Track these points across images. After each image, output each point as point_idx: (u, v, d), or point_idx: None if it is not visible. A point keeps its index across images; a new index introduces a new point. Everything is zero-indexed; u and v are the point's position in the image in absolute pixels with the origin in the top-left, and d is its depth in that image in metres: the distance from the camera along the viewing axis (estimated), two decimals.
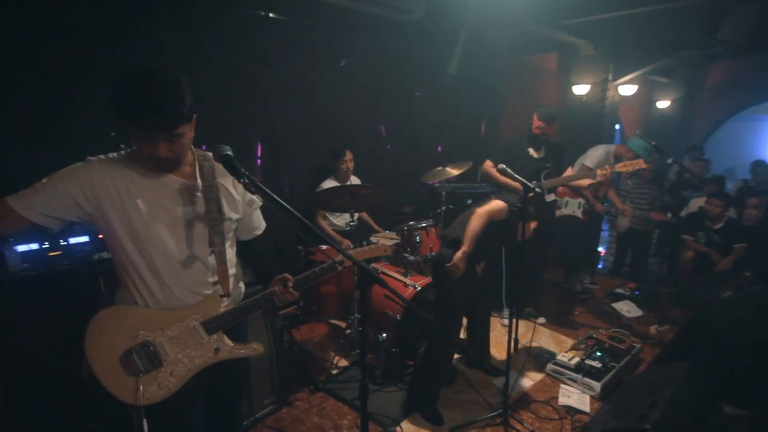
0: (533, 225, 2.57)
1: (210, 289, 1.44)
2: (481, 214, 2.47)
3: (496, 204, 2.53)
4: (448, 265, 2.41)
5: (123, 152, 1.35)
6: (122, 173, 1.30)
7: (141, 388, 1.30)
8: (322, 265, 1.56)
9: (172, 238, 1.35)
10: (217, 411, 1.60)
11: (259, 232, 1.63)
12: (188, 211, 1.37)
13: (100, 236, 2.25)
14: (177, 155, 1.30)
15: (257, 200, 1.50)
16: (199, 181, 1.40)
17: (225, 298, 1.46)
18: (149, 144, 1.24)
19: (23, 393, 2.05)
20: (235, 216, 1.48)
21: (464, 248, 2.42)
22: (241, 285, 1.60)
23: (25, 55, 2.40)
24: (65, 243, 2.17)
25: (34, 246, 2.10)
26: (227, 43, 3.24)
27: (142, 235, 1.31)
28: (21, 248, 2.06)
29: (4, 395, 1.99)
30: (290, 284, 1.46)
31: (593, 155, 4.17)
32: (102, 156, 1.33)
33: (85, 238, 2.22)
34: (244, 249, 1.64)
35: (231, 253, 1.51)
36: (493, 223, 2.48)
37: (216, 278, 1.44)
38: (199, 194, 1.39)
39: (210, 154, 1.44)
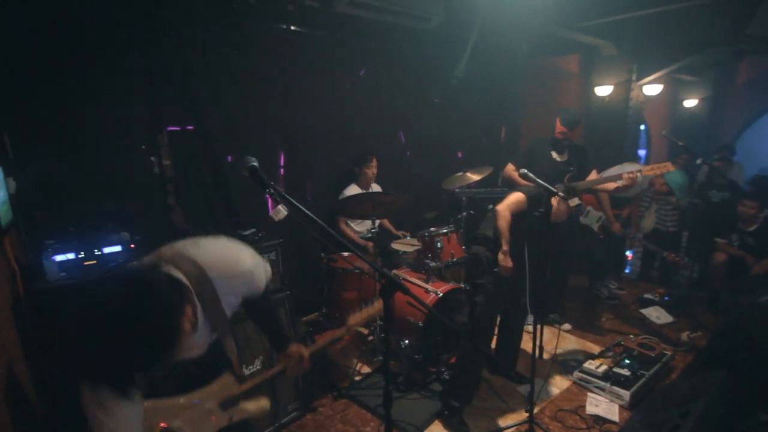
0: (572, 203, 2.47)
1: (222, 374, 1.46)
2: (502, 209, 2.54)
3: (514, 196, 2.59)
4: (496, 269, 2.50)
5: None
6: None
7: None
8: (331, 338, 1.64)
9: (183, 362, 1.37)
10: None
11: (261, 285, 1.50)
12: (196, 342, 1.34)
13: (132, 246, 2.35)
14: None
15: (282, 210, 1.54)
16: (200, 317, 1.28)
17: (236, 377, 1.48)
18: None
19: (58, 395, 2.13)
20: (237, 302, 1.44)
21: (504, 247, 2.50)
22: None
23: (57, 68, 2.51)
24: (99, 252, 2.25)
25: (71, 256, 2.19)
26: (250, 55, 3.33)
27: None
28: (59, 258, 2.15)
29: (39, 392, 2.08)
30: (305, 362, 1.50)
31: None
32: None
33: (118, 248, 2.30)
34: (249, 309, 1.58)
35: (230, 338, 1.47)
36: (517, 216, 2.52)
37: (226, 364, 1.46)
38: (201, 325, 1.31)
39: (200, 263, 1.30)
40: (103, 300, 1.06)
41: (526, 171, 2.42)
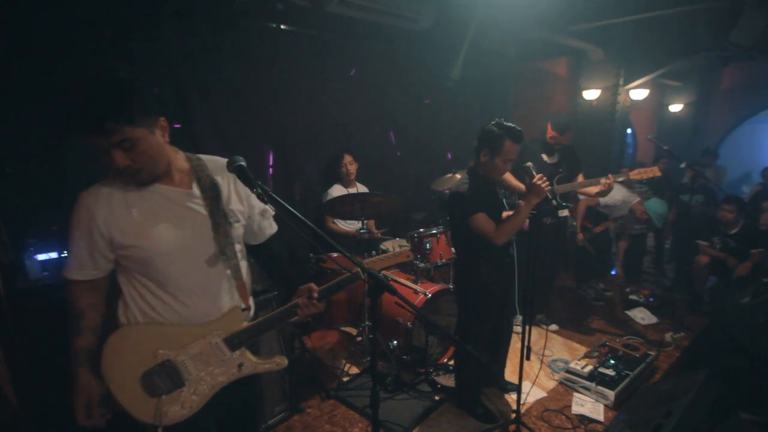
0: (561, 213, 2.46)
1: (229, 303, 1.39)
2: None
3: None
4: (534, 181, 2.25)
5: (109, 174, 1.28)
6: (114, 194, 1.26)
7: (161, 408, 1.27)
8: (345, 276, 1.50)
9: (180, 251, 1.29)
10: (232, 428, 1.55)
11: (270, 232, 1.57)
12: (191, 222, 1.32)
13: None
14: (140, 164, 1.20)
15: (270, 210, 1.52)
16: (195, 189, 1.35)
17: (246, 312, 1.42)
18: (103, 155, 1.18)
19: (38, 394, 2.10)
20: (241, 219, 1.44)
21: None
22: (251, 300, 1.55)
23: (43, 71, 2.47)
24: None
25: (54, 255, 2.15)
26: (240, 54, 3.31)
27: (148, 253, 1.26)
28: (41, 257, 2.11)
29: (20, 396, 2.04)
30: (315, 294, 1.40)
31: (611, 194, 4.02)
32: (93, 186, 1.29)
33: None
34: (259, 253, 1.61)
35: (244, 265, 1.48)
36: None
37: (234, 292, 1.41)
38: (198, 201, 1.34)
39: (204, 159, 1.41)
40: None
41: (530, 164, 2.38)
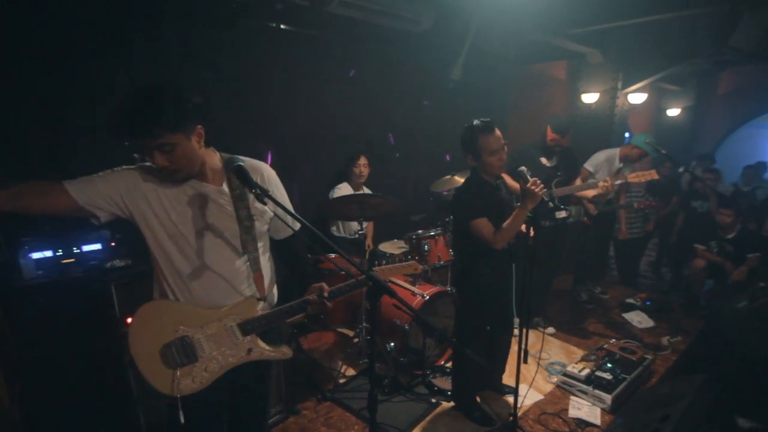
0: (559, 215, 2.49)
1: (247, 292, 1.50)
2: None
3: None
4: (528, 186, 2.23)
5: None
6: (160, 180, 1.39)
7: (177, 379, 1.36)
8: (355, 280, 1.61)
9: (204, 241, 1.41)
10: (244, 410, 1.65)
11: (292, 230, 1.64)
12: (217, 216, 1.43)
13: (113, 243, 2.29)
14: (177, 166, 1.32)
15: (268, 211, 1.52)
16: (225, 186, 1.45)
17: (261, 302, 1.52)
18: (146, 154, 1.29)
19: (33, 394, 2.08)
20: (266, 218, 1.53)
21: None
22: (275, 290, 1.66)
23: (43, 71, 2.45)
24: (78, 251, 2.20)
25: (48, 253, 2.13)
26: (239, 54, 3.29)
27: (175, 239, 1.39)
28: (36, 255, 2.09)
29: (15, 395, 2.02)
30: (326, 294, 1.51)
31: (593, 159, 4.14)
32: (147, 165, 1.41)
33: (97, 246, 2.25)
34: (280, 249, 1.69)
35: (265, 259, 1.57)
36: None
37: (251, 282, 1.50)
38: (227, 199, 1.45)
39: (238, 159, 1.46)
40: None
41: (524, 168, 2.37)
